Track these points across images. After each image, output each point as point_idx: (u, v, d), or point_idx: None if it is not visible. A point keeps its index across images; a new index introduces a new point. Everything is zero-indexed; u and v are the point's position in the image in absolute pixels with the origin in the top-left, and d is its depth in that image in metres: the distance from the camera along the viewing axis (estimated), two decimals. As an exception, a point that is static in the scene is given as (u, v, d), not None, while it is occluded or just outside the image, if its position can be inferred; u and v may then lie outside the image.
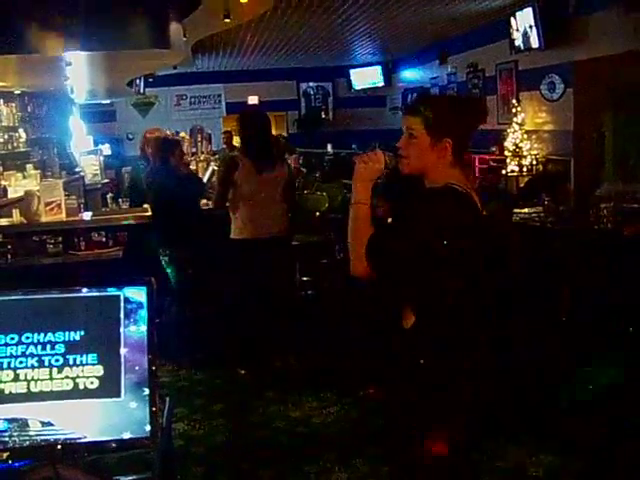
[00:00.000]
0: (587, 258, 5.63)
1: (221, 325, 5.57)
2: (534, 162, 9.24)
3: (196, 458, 4.14)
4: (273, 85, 15.97)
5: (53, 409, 2.03)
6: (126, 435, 2.03)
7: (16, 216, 5.64)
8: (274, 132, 7.47)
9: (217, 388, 5.24)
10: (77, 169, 8.95)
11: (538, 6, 8.50)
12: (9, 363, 2.05)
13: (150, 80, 12.72)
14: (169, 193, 5.44)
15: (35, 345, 2.06)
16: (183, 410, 4.75)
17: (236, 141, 11.90)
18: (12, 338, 2.06)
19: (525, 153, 9.30)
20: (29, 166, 8.26)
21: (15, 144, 9.48)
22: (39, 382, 2.04)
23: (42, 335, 2.07)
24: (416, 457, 2.42)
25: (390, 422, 2.70)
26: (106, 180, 9.11)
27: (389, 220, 2.62)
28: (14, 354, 2.05)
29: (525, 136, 9.38)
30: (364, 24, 10.22)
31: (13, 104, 9.47)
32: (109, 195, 7.28)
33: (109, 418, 2.04)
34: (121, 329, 2.09)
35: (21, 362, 2.05)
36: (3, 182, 7.23)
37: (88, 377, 2.05)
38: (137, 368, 2.07)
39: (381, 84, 16.13)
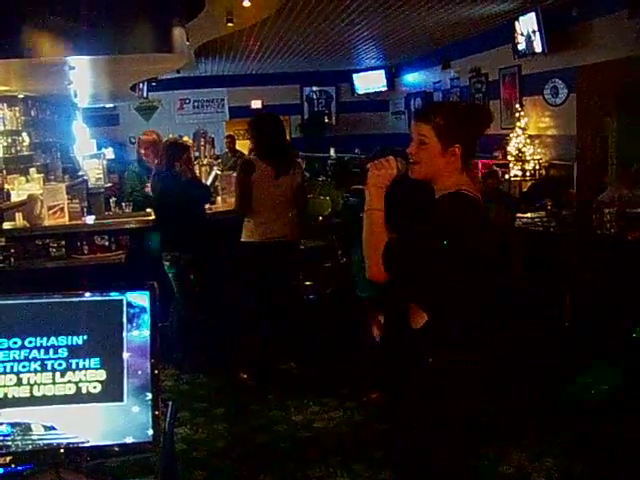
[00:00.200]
0: (590, 263, 5.63)
1: (223, 329, 5.57)
2: (537, 167, 9.25)
3: (198, 462, 4.14)
4: (276, 89, 15.99)
5: (56, 413, 2.03)
6: (129, 439, 2.03)
7: (19, 220, 5.64)
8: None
9: (219, 392, 5.23)
10: (80, 173, 8.94)
11: (541, 11, 8.51)
12: (12, 367, 2.05)
13: (153, 84, 12.75)
14: (172, 198, 5.44)
15: (38, 349, 2.06)
16: (185, 414, 4.75)
17: (240, 145, 11.94)
18: (15, 342, 2.06)
19: (528, 158, 9.31)
20: (32, 170, 8.26)
21: (18, 148, 9.49)
22: (42, 386, 2.04)
23: (45, 339, 2.07)
24: (418, 459, 2.44)
25: (393, 422, 2.72)
26: (109, 184, 9.09)
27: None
28: (17, 358, 2.06)
29: (528, 141, 9.39)
30: (367, 29, 10.23)
31: (17, 108, 9.48)
32: (112, 199, 7.27)
33: (112, 422, 2.04)
34: (124, 333, 2.09)
35: (24, 366, 2.05)
36: (6, 186, 7.23)
37: (91, 381, 2.05)
38: (139, 372, 2.07)
39: (384, 89, 16.15)
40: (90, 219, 5.95)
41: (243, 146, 11.74)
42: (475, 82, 11.55)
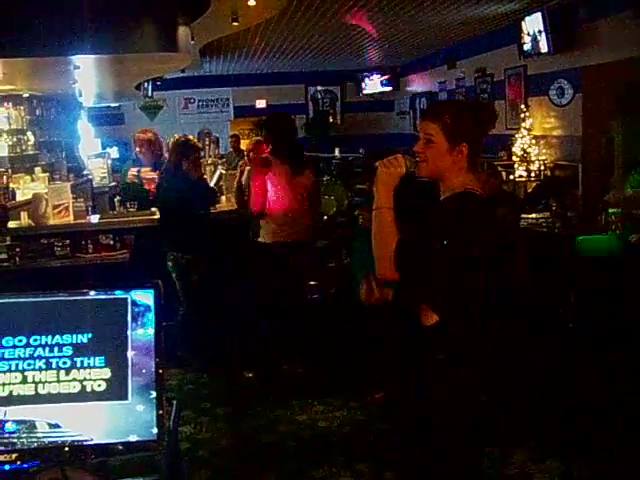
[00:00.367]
0: (594, 264, 5.62)
1: (227, 329, 5.57)
2: (542, 167, 9.21)
3: (202, 461, 4.14)
4: (281, 89, 15.98)
5: (61, 411, 2.04)
6: (133, 438, 2.04)
7: (24, 219, 5.66)
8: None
9: (223, 391, 5.24)
10: (85, 172, 8.96)
11: (547, 11, 8.49)
12: (17, 365, 2.06)
13: (158, 83, 12.76)
14: (177, 197, 5.43)
15: (43, 347, 2.07)
16: (189, 413, 4.76)
17: (245, 145, 11.93)
18: (20, 340, 2.07)
19: (533, 158, 9.28)
20: (37, 169, 8.29)
21: (23, 147, 9.51)
22: (47, 384, 2.05)
23: (50, 337, 2.08)
24: (421, 459, 2.45)
25: (396, 421, 2.73)
26: (114, 183, 9.11)
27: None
28: (22, 356, 2.06)
29: (533, 141, 9.36)
30: (372, 29, 10.22)
31: (22, 107, 9.49)
32: (117, 198, 7.28)
33: (116, 421, 2.04)
34: (128, 332, 2.09)
35: (29, 364, 2.06)
36: (12, 185, 7.24)
37: (95, 380, 2.06)
38: (144, 371, 2.07)
39: (389, 88, 16.13)
40: (95, 218, 5.95)
41: (248, 146, 11.72)
42: (480, 82, 11.53)
